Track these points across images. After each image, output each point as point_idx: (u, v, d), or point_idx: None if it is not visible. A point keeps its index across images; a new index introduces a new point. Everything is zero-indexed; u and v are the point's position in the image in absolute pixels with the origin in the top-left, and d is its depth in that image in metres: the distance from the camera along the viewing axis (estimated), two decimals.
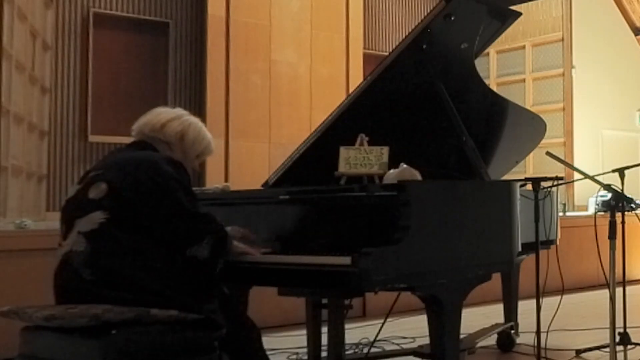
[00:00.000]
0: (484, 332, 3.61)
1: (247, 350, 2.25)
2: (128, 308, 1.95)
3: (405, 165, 2.63)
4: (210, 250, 2.15)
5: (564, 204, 8.68)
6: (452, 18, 2.81)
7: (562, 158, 4.09)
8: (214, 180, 7.18)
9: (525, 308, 4.03)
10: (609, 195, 3.26)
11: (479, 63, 3.13)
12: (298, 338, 3.94)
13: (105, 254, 2.04)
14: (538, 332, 3.16)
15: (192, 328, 2.05)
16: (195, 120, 2.43)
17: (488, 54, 10.44)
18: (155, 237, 2.10)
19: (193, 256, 2.14)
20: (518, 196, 2.69)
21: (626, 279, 3.46)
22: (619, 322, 3.30)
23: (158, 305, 2.00)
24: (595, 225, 3.14)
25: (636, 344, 3.47)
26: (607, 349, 3.35)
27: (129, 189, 2.10)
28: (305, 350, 3.36)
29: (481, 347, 3.82)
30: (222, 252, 2.22)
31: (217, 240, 2.18)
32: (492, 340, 3.89)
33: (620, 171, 3.32)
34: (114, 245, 2.05)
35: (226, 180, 7.70)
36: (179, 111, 2.43)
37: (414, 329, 4.29)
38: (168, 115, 2.38)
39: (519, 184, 2.78)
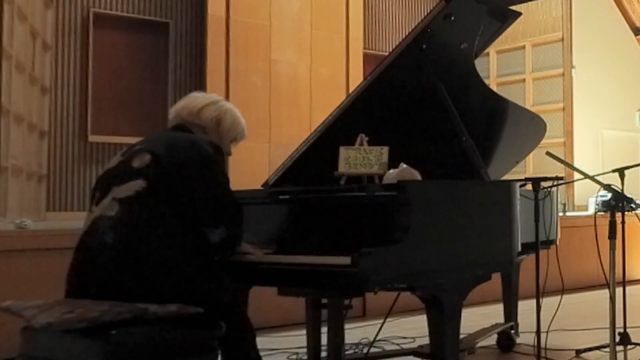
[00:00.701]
0: (484, 332, 3.61)
1: (241, 350, 2.25)
2: (126, 308, 1.95)
3: (405, 165, 2.63)
4: (221, 240, 2.20)
5: (564, 204, 8.68)
6: (452, 18, 2.81)
7: (562, 158, 4.09)
8: None
9: (525, 308, 4.03)
10: (609, 195, 3.26)
11: (479, 63, 3.13)
12: (298, 338, 3.93)
13: (133, 221, 2.08)
14: (538, 332, 3.16)
15: (191, 327, 2.05)
16: (230, 105, 2.53)
17: (488, 54, 10.44)
18: (182, 213, 2.13)
19: (205, 236, 2.18)
20: (518, 196, 2.69)
21: (626, 279, 3.46)
22: (619, 322, 3.30)
23: (166, 274, 2.04)
24: (595, 225, 3.14)
25: (636, 344, 3.47)
26: (607, 349, 3.35)
27: (171, 161, 2.16)
28: (305, 350, 3.36)
29: (481, 347, 3.82)
30: (230, 248, 2.27)
31: (229, 234, 2.23)
32: (492, 340, 3.89)
33: (620, 171, 3.32)
34: (142, 214, 2.09)
35: None
36: (215, 97, 2.52)
37: (414, 329, 4.29)
38: (204, 100, 2.46)
39: (519, 184, 2.78)
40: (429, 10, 3.33)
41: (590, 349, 3.78)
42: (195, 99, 2.47)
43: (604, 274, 3.25)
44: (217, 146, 2.38)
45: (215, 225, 2.20)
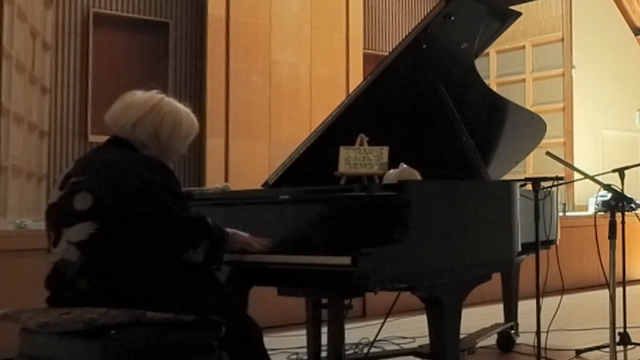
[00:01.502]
0: (484, 332, 3.61)
1: (247, 349, 2.24)
2: (123, 311, 1.94)
3: (405, 165, 2.63)
4: (205, 255, 2.13)
5: (564, 204, 8.67)
6: (452, 18, 2.82)
7: (562, 158, 4.09)
8: (214, 180, 7.18)
9: (525, 308, 4.03)
10: (609, 195, 3.26)
11: (479, 63, 3.13)
12: (298, 338, 3.94)
13: (100, 265, 2.02)
14: (538, 332, 3.16)
15: (191, 328, 2.04)
16: (168, 108, 2.26)
17: (488, 54, 10.44)
18: (148, 244, 2.06)
19: (188, 260, 2.12)
20: (518, 196, 2.69)
21: (626, 279, 3.46)
22: (619, 322, 3.30)
23: (155, 309, 1.99)
24: (595, 225, 3.14)
25: (636, 344, 3.47)
26: (607, 349, 3.35)
27: (114, 200, 2.04)
28: (305, 350, 3.36)
29: (481, 347, 3.82)
30: (219, 254, 2.19)
31: (212, 244, 2.15)
32: (492, 340, 3.89)
33: (620, 171, 3.32)
34: (107, 256, 2.02)
35: (226, 180, 7.70)
36: (150, 100, 2.25)
37: (414, 329, 4.29)
38: (138, 111, 2.22)
39: (519, 184, 2.78)
40: (429, 10, 3.33)
41: (590, 349, 3.78)
42: (128, 109, 2.23)
43: (604, 274, 3.25)
44: (160, 165, 2.16)
45: (195, 246, 2.11)
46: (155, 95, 2.28)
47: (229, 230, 2.27)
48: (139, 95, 2.28)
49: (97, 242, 2.03)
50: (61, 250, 2.07)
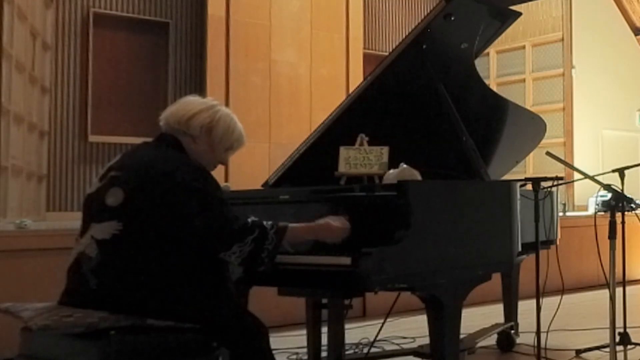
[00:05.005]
0: (484, 332, 3.61)
1: (253, 348, 2.23)
2: (124, 316, 1.94)
3: (405, 165, 2.63)
4: (244, 255, 2.08)
5: (564, 204, 8.67)
6: (452, 18, 2.81)
7: (562, 158, 4.09)
8: None
9: (525, 308, 4.03)
10: (609, 195, 3.26)
11: (479, 63, 3.13)
12: (298, 338, 3.94)
13: (113, 267, 2.02)
14: (538, 332, 3.16)
15: (190, 329, 2.04)
16: (225, 112, 2.31)
17: (488, 54, 10.44)
18: (167, 251, 2.03)
19: (221, 260, 2.10)
20: (518, 196, 2.69)
21: (626, 279, 3.46)
22: (619, 322, 3.30)
23: (160, 319, 1.99)
24: (595, 225, 3.15)
25: (636, 344, 3.47)
26: (607, 349, 3.35)
27: (145, 201, 2.04)
28: (305, 350, 3.36)
29: (481, 347, 3.82)
30: (260, 253, 2.10)
31: (254, 243, 2.08)
32: (492, 340, 3.89)
33: (620, 171, 3.32)
34: (123, 258, 2.02)
35: (226, 180, 7.69)
36: (209, 102, 2.31)
37: (414, 329, 4.30)
38: (196, 107, 2.25)
39: (519, 184, 2.78)
40: (429, 10, 3.33)
41: (590, 349, 3.78)
42: (187, 104, 2.26)
43: (604, 274, 3.25)
44: (198, 168, 2.15)
45: (227, 248, 2.07)
46: (214, 100, 2.35)
47: (292, 225, 2.17)
48: (198, 97, 2.34)
49: (117, 245, 2.03)
50: (85, 243, 2.08)
